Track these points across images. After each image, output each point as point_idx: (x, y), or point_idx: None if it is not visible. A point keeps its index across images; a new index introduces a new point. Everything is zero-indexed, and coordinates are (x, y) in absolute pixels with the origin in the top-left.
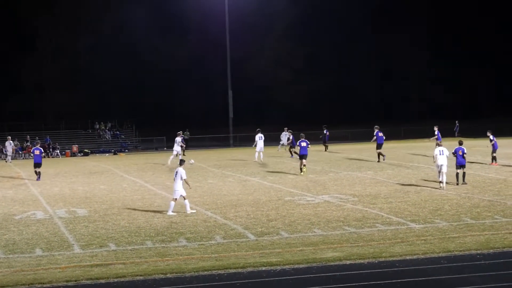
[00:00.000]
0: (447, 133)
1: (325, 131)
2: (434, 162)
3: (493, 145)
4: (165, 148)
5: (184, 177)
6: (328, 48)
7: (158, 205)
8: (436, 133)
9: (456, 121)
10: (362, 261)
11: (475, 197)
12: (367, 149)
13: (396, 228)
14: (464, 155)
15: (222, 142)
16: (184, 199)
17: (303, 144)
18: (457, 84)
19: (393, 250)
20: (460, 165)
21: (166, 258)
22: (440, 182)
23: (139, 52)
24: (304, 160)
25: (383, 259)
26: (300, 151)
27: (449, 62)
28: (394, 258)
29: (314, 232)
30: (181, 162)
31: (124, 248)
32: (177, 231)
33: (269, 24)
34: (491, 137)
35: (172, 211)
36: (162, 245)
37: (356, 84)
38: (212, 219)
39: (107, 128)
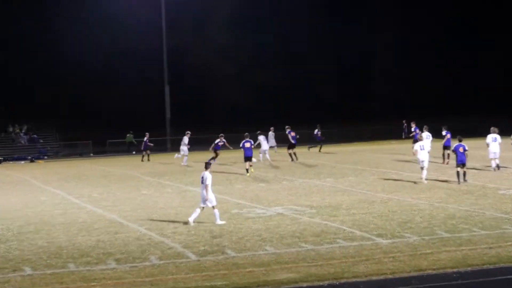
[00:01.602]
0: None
1: (316, 131)
2: (414, 155)
3: (445, 141)
4: (91, 154)
5: (207, 182)
6: (279, 38)
7: (83, 221)
8: (413, 129)
9: (403, 121)
10: (321, 283)
11: (450, 207)
12: (325, 153)
13: (360, 244)
14: (466, 152)
15: (158, 146)
16: (213, 208)
17: (247, 145)
18: (421, 82)
19: (357, 269)
20: (461, 163)
21: (92, 284)
22: (421, 178)
23: (59, 42)
24: (249, 162)
25: (345, 280)
26: (244, 153)
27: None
28: (358, 279)
29: (266, 250)
30: (207, 165)
31: (42, 272)
32: (105, 252)
33: (211, 10)
34: (444, 132)
35: (194, 220)
36: (87, 268)
37: (312, 79)
38: (146, 237)
39: (23, 131)
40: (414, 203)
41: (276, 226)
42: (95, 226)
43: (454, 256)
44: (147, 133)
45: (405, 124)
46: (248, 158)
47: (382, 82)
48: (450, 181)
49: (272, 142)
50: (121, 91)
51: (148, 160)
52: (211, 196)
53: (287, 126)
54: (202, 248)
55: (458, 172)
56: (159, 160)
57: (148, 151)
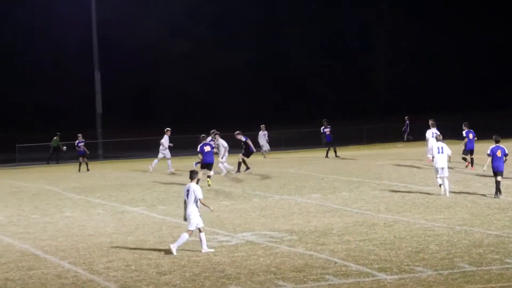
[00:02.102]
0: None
1: (322, 129)
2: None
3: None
4: None
5: (200, 196)
6: (246, 8)
7: None
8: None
9: (406, 117)
10: None
11: (475, 231)
12: (310, 160)
13: (356, 281)
14: (505, 157)
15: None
16: (200, 231)
17: (207, 148)
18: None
19: None
20: (498, 171)
21: None
22: (440, 185)
23: None
24: (208, 171)
25: None
26: (203, 159)
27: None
28: None
29: None
30: (193, 174)
31: None
32: None
33: None
34: (465, 132)
35: (177, 248)
36: None
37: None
38: (70, 274)
39: None
40: (428, 226)
41: (244, 258)
42: (1, 260)
43: None
44: (79, 135)
45: (407, 122)
46: (207, 166)
47: (385, 66)
48: (476, 194)
49: (264, 143)
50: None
51: (87, 169)
52: (196, 216)
53: (324, 121)
54: None
55: (497, 182)
56: (85, 172)
57: (85, 158)
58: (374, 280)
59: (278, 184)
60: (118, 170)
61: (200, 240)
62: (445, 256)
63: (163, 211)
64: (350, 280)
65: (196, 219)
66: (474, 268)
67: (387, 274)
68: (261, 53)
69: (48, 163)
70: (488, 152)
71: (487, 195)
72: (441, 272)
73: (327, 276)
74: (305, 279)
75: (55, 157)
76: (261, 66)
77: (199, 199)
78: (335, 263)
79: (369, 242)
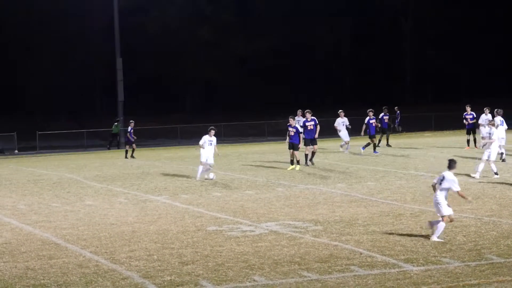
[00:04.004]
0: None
1: (382, 115)
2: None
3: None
4: (16, 151)
5: (456, 189)
6: None
7: (5, 242)
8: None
9: (396, 108)
10: None
11: (503, 222)
12: (336, 147)
13: (382, 272)
14: None
15: (107, 140)
16: (440, 221)
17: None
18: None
19: None
20: None
21: None
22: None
23: None
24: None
25: None
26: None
27: None
28: None
29: (254, 281)
30: (452, 163)
31: None
32: (36, 283)
33: None
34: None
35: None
36: None
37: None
38: (92, 263)
39: None
40: (456, 216)
41: (268, 248)
42: (22, 249)
43: None
44: (131, 121)
45: (398, 112)
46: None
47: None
48: (504, 184)
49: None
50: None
51: (132, 156)
52: (445, 204)
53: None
54: (168, 278)
55: None
56: (110, 161)
57: (134, 145)
58: (400, 271)
59: (302, 174)
60: (141, 158)
61: (435, 227)
62: (472, 248)
63: (185, 200)
64: (376, 271)
65: (445, 206)
66: (502, 260)
67: (413, 265)
68: (286, 40)
69: (109, 149)
70: None
71: None
72: (469, 263)
73: (352, 267)
74: (330, 270)
75: (116, 143)
76: (285, 53)
77: (457, 191)
78: (361, 253)
79: (395, 232)
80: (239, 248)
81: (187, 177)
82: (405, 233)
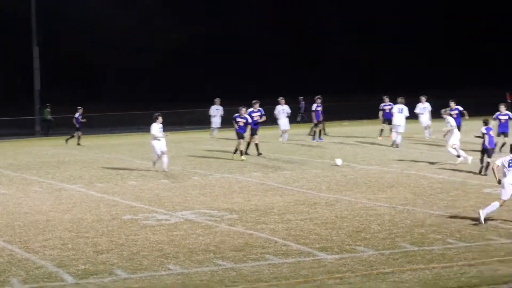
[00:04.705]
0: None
1: (315, 106)
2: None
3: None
4: None
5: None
6: None
7: None
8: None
9: (300, 98)
10: None
11: (417, 211)
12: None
13: (297, 260)
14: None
15: (24, 129)
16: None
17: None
18: None
19: None
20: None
21: None
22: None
23: None
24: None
25: None
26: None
27: None
28: None
29: (169, 269)
30: None
31: None
32: None
33: None
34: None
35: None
36: None
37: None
38: (5, 252)
39: None
40: (370, 205)
41: (183, 237)
42: None
43: (422, 277)
44: (80, 108)
45: (302, 102)
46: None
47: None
48: (418, 174)
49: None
50: None
51: (78, 144)
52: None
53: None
54: (83, 267)
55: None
56: (25, 149)
57: (79, 132)
58: (315, 259)
59: (219, 162)
60: (57, 147)
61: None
62: (386, 236)
63: (101, 189)
64: (291, 260)
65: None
66: (416, 248)
67: (327, 254)
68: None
69: (46, 135)
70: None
71: (430, 175)
72: (383, 252)
73: (267, 256)
74: (245, 259)
75: (46, 129)
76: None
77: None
78: (276, 242)
79: (310, 221)
80: (154, 237)
81: (102, 166)
82: (320, 221)
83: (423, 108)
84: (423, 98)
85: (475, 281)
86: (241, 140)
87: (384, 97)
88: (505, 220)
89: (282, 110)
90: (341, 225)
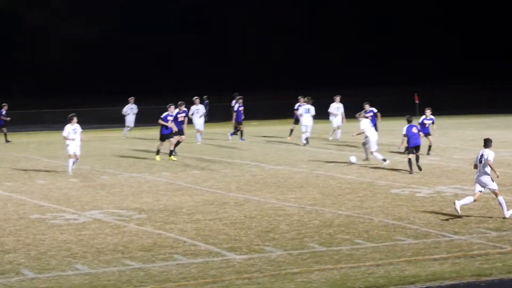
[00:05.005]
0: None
1: (234, 103)
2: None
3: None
4: None
5: (490, 158)
6: None
7: None
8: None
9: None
10: None
11: (326, 211)
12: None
13: (205, 260)
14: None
15: None
16: (497, 195)
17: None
18: None
19: None
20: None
21: None
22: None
23: None
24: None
25: None
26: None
27: None
28: None
29: (77, 269)
30: (488, 142)
31: None
32: None
33: None
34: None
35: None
36: None
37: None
38: None
39: None
40: (279, 206)
41: (91, 237)
42: None
43: (330, 277)
44: (4, 104)
45: (206, 101)
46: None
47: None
48: (327, 174)
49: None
50: None
51: (6, 141)
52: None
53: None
54: None
55: (410, 160)
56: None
57: (5, 129)
58: (224, 259)
59: (128, 161)
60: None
61: (500, 204)
62: (295, 236)
63: (8, 188)
64: (199, 260)
65: (489, 182)
66: (324, 248)
67: (236, 254)
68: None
69: None
70: (403, 132)
71: (339, 175)
72: (291, 252)
73: (175, 256)
74: (153, 259)
75: None
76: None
77: (488, 160)
78: (184, 242)
79: (219, 221)
80: (62, 236)
81: (10, 165)
82: (228, 221)
83: (337, 108)
84: (337, 98)
85: (382, 281)
86: (183, 136)
87: (300, 97)
88: (412, 221)
89: (197, 110)
90: (250, 225)
